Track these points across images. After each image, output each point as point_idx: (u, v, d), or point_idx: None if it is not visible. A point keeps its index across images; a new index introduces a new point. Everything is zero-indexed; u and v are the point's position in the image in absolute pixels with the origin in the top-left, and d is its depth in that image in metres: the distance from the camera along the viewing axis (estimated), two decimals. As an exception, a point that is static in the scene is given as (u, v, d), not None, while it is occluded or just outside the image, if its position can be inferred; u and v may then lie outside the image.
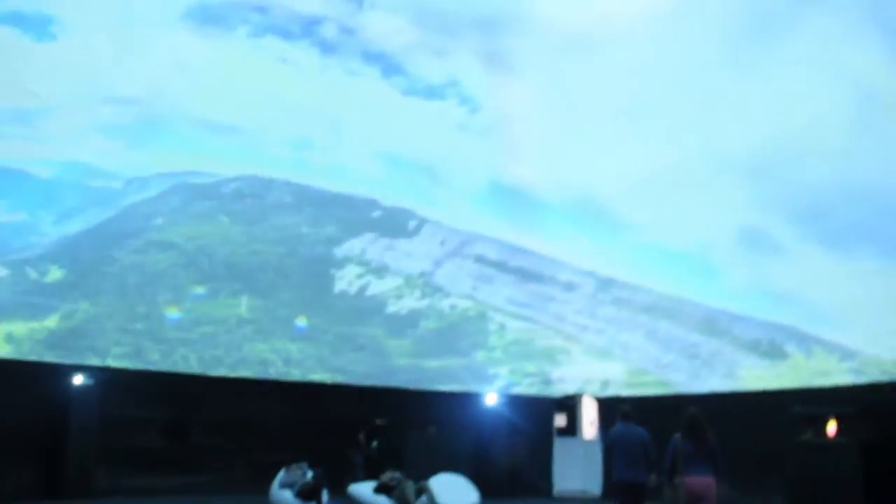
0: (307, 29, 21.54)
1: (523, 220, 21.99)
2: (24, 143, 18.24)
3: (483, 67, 22.50)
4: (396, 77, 22.41)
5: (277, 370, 19.14)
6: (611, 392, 18.61)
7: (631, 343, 20.57)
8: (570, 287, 21.44)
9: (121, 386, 15.07)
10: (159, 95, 19.59)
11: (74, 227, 19.06)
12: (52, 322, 17.16)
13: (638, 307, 20.73)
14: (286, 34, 21.41)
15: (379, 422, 14.67)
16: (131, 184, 20.41)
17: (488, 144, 22.45)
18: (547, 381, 20.23)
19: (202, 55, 20.23)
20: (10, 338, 16.49)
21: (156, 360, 17.94)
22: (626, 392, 18.22)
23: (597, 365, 20.28)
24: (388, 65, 22.16)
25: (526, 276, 21.74)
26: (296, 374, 19.17)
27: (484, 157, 22.47)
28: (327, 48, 21.69)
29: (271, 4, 21.08)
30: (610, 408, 14.67)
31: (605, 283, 21.13)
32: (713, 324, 19.80)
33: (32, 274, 17.46)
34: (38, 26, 18.62)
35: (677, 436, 6.98)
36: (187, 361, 18.18)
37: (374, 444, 14.38)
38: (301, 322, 19.96)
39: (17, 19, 18.50)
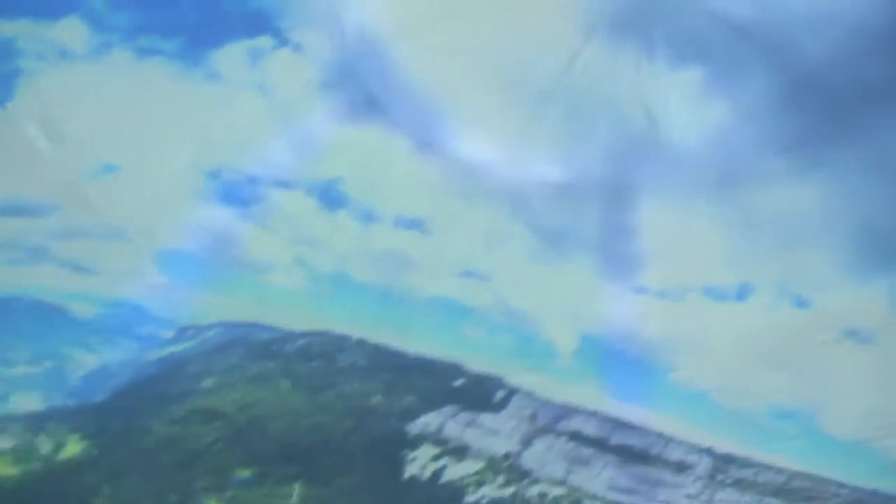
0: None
1: (627, 388, 19.86)
2: (68, 272, 16.70)
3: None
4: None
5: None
6: None
7: (758, 532, 17.76)
8: (681, 468, 19.04)
9: None
10: (224, 233, 18.10)
11: (108, 384, 16.87)
12: (62, 509, 14.67)
13: (765, 489, 18.21)
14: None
15: None
16: (185, 333, 18.51)
17: (587, 298, 20.22)
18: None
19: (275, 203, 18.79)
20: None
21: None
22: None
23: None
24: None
25: (630, 455, 19.35)
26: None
27: (578, 315, 20.15)
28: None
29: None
30: None
31: (724, 461, 18.89)
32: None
33: (45, 446, 15.10)
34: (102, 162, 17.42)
35: None
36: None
37: None
38: (364, 516, 17.20)
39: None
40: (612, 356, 19.58)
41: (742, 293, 20.35)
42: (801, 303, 19.78)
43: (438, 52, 20.19)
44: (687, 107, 19.00)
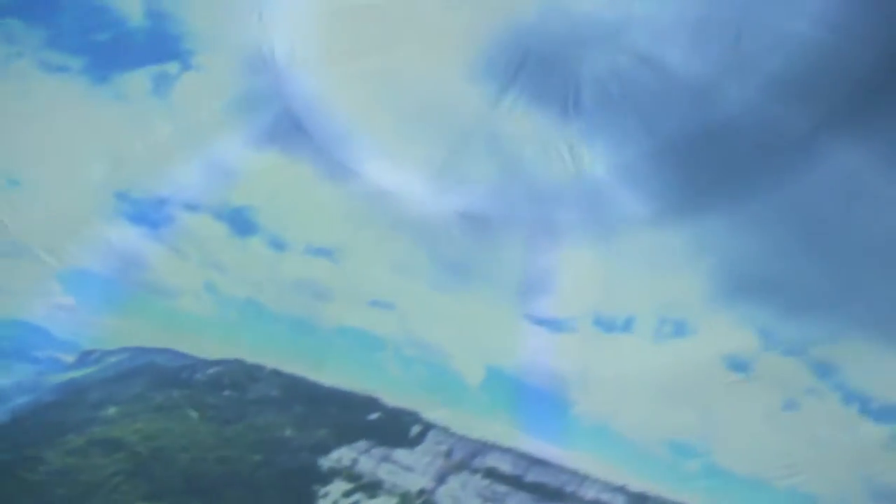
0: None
1: (534, 422, 19.74)
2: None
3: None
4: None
5: None
6: None
7: (671, 577, 18.08)
8: (596, 506, 18.81)
9: None
10: (133, 255, 17.60)
11: (-3, 413, 15.85)
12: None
13: (679, 530, 18.26)
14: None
15: None
16: (87, 358, 17.65)
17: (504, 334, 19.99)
18: None
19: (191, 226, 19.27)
20: None
21: None
22: None
23: None
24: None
25: (545, 493, 19.33)
26: None
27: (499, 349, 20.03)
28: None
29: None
30: None
31: (639, 500, 19.08)
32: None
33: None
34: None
35: None
36: None
37: None
38: (268, 556, 16.69)
39: None
40: (516, 389, 19.71)
41: (627, 324, 20.82)
42: (681, 331, 20.36)
43: (356, 80, 20.13)
44: (602, 148, 19.55)
